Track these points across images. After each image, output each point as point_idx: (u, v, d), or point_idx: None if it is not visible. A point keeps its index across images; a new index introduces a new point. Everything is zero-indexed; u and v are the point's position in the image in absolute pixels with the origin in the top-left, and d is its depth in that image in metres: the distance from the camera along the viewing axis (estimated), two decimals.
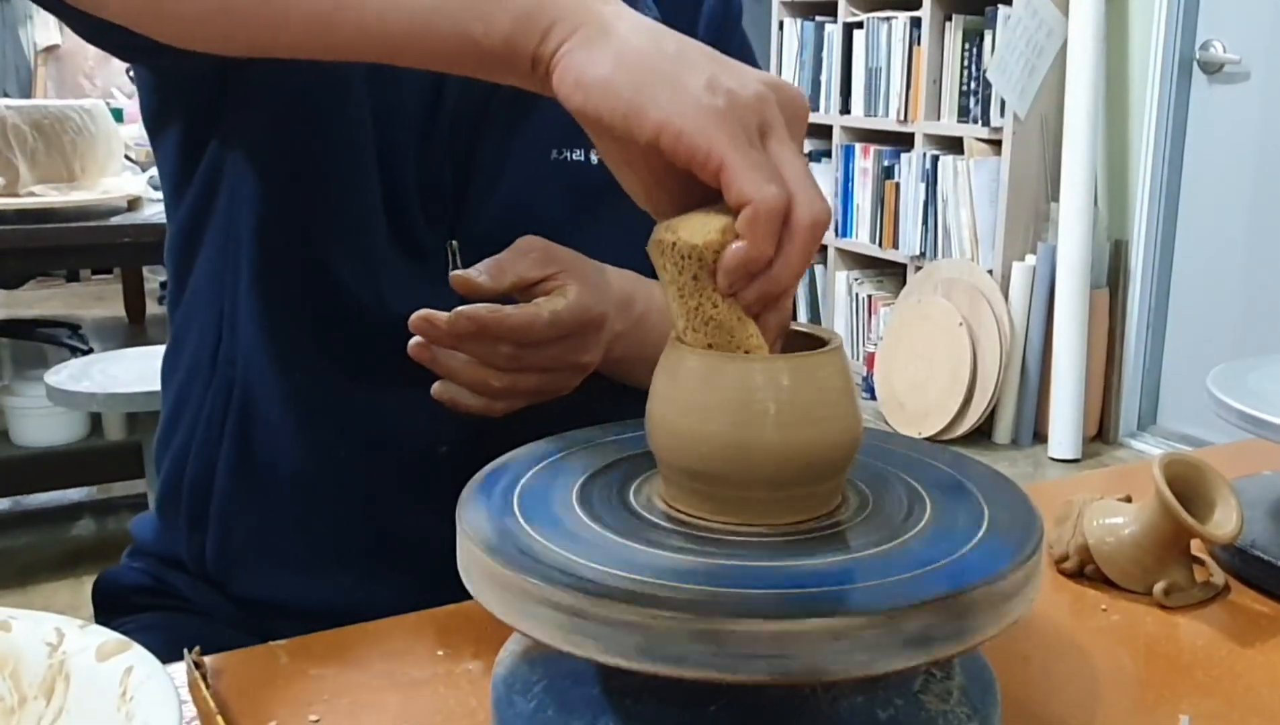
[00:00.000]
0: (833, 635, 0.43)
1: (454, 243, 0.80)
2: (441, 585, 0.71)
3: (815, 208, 0.49)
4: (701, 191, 0.51)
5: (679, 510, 0.53)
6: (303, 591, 0.81)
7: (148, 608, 0.86)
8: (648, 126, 0.49)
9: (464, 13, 0.54)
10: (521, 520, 0.51)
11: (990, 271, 3.58)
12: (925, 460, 0.59)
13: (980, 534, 0.51)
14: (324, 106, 0.77)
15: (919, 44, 3.76)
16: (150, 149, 0.90)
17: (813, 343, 0.54)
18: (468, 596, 0.50)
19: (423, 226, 0.80)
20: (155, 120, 0.83)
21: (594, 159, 0.83)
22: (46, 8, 0.65)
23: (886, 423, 3.74)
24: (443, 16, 0.54)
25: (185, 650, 0.63)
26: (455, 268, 0.80)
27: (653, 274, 0.90)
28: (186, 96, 0.80)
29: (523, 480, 0.55)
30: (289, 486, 0.81)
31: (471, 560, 0.49)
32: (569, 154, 0.83)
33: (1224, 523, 0.72)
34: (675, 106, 0.49)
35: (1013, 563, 0.48)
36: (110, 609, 0.88)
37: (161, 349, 0.91)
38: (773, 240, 0.49)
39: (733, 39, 0.93)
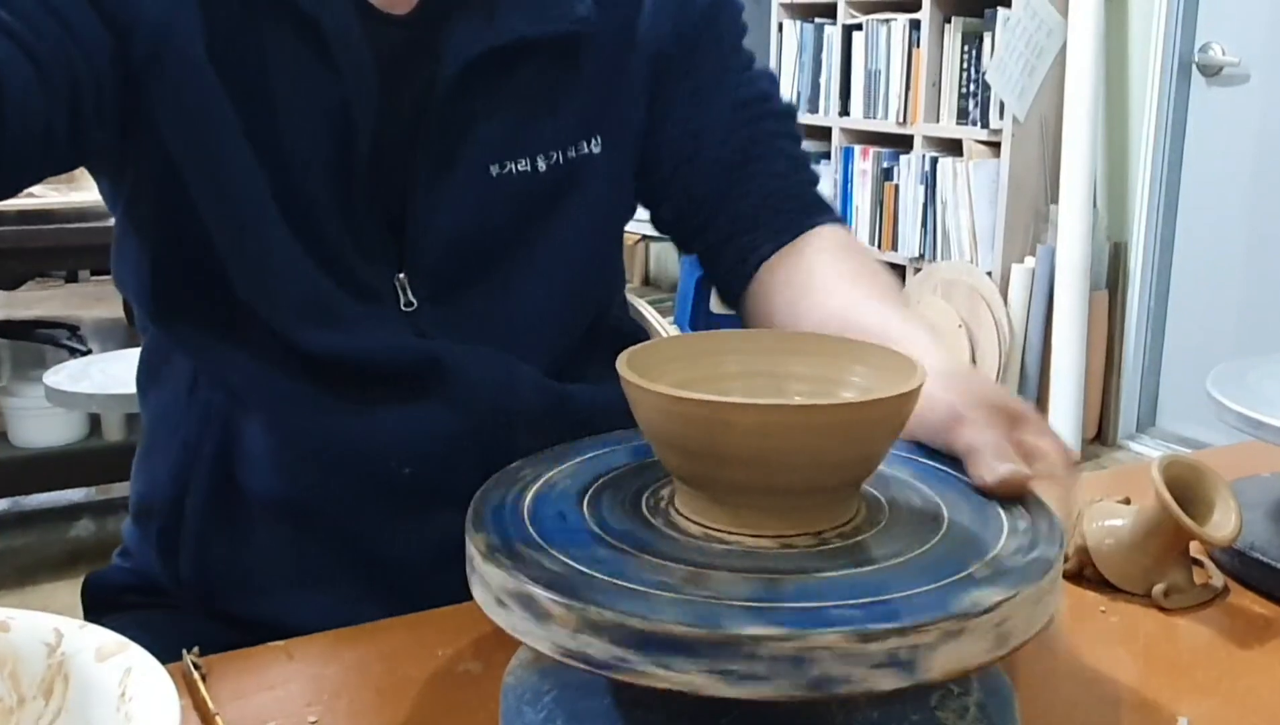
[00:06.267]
0: (854, 649, 0.42)
1: (401, 276, 0.79)
2: (419, 604, 0.71)
3: None
4: None
5: (693, 520, 0.52)
6: (283, 612, 0.80)
7: (141, 606, 0.86)
8: None
9: None
10: (532, 531, 0.50)
11: (989, 273, 3.58)
12: (931, 465, 0.59)
13: (1002, 540, 0.50)
14: (206, 165, 0.74)
15: (918, 46, 3.75)
16: None
17: (898, 367, 0.53)
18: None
19: (364, 268, 0.78)
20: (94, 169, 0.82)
21: (541, 166, 0.80)
22: None
23: None
24: None
25: (184, 650, 0.63)
26: (406, 304, 0.79)
27: (608, 277, 0.88)
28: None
29: (532, 490, 0.55)
30: (262, 510, 0.80)
31: (481, 572, 0.48)
32: (513, 166, 0.79)
33: (1223, 525, 0.72)
34: None
35: (1042, 567, 0.47)
36: (100, 608, 0.88)
37: None
38: None
39: (718, 31, 0.88)
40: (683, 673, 0.42)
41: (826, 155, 4.24)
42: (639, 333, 0.97)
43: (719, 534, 0.50)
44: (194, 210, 0.75)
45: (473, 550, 0.49)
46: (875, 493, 0.55)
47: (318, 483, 0.79)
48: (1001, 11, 3.48)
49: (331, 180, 0.76)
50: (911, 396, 0.50)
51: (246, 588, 0.82)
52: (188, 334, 0.81)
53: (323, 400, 0.78)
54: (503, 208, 0.80)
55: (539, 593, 0.45)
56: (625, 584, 0.45)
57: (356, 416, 0.78)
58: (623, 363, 0.51)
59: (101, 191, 0.83)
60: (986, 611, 0.44)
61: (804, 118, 4.30)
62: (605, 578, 0.46)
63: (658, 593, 0.45)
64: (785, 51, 4.37)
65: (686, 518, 0.52)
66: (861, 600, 0.45)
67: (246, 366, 0.79)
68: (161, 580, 0.85)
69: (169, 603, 0.85)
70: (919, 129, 3.79)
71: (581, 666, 0.44)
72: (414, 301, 0.79)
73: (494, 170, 0.79)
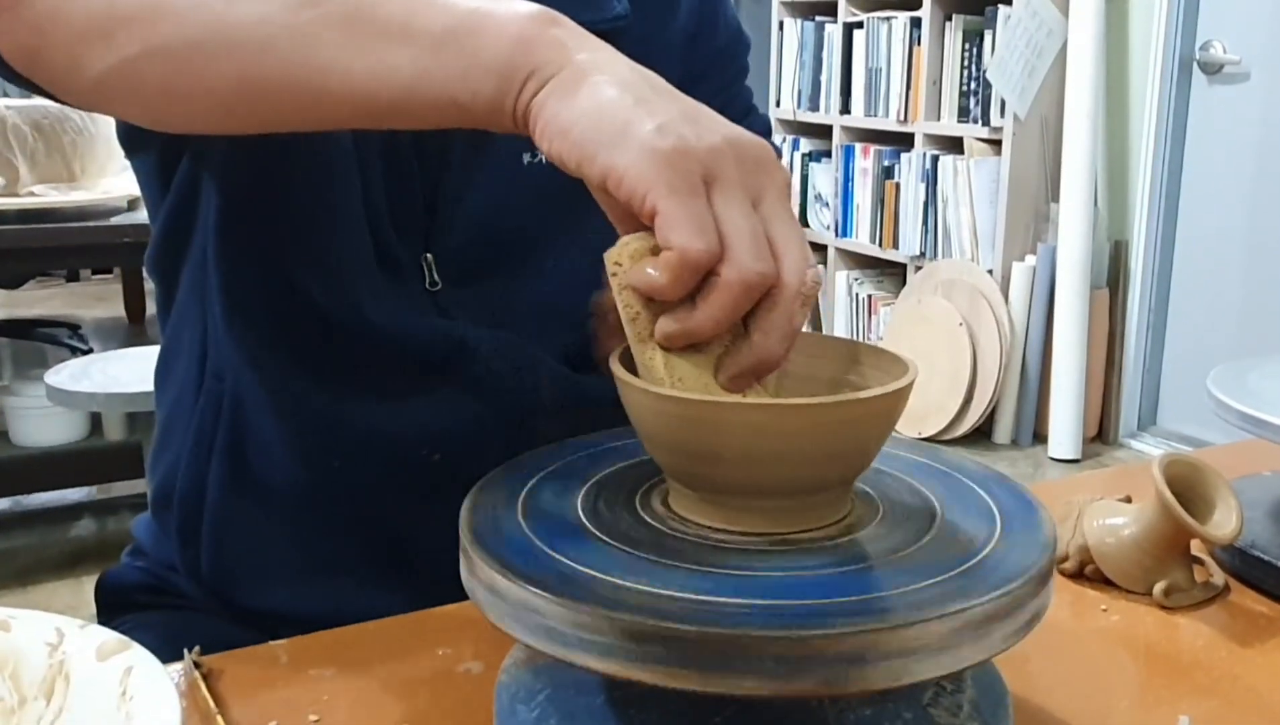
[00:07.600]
0: (847, 647, 0.42)
1: (429, 256, 0.79)
2: (438, 590, 0.71)
3: (750, 268, 0.47)
4: None
5: (688, 519, 0.52)
6: (300, 601, 0.81)
7: (150, 606, 0.86)
8: (595, 170, 0.49)
9: (449, 79, 0.54)
10: (527, 530, 0.50)
11: (990, 272, 3.58)
12: (927, 463, 0.59)
13: (995, 536, 0.50)
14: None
15: (919, 44, 3.76)
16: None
17: (889, 365, 0.53)
18: (465, 599, 0.50)
19: (395, 242, 0.78)
20: (129, 140, 0.82)
21: None
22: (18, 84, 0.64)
23: None
24: (429, 85, 0.54)
25: (185, 650, 0.64)
26: (431, 283, 0.79)
27: None
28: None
29: (527, 488, 0.54)
30: (283, 498, 0.80)
31: (475, 570, 0.48)
32: (544, 157, 0.81)
33: (1224, 523, 0.72)
34: (620, 151, 0.49)
35: (1034, 564, 0.47)
36: (113, 608, 0.88)
37: None
38: (681, 287, 0.48)
39: (717, 19, 0.91)
40: (676, 671, 0.43)
41: (827, 153, 4.24)
42: None
43: (712, 532, 0.50)
44: (267, 173, 0.75)
45: (466, 546, 0.49)
46: (868, 490, 0.55)
47: (338, 469, 0.80)
48: (1002, 10, 3.48)
49: (383, 145, 0.76)
50: (904, 393, 0.49)
51: (263, 578, 0.82)
52: (242, 326, 0.80)
53: (348, 382, 0.79)
54: (531, 197, 0.80)
55: (532, 590, 0.45)
56: (619, 582, 0.46)
57: (383, 400, 0.78)
58: (614, 360, 0.51)
59: (144, 174, 0.83)
60: (980, 608, 0.44)
61: (804, 116, 4.31)
62: (599, 575, 0.46)
63: (652, 590, 0.45)
64: (786, 49, 4.37)
65: (680, 516, 0.52)
66: (855, 598, 0.45)
67: (272, 355, 0.79)
68: (175, 578, 0.86)
69: (181, 602, 0.86)
70: (920, 127, 3.79)
71: (575, 664, 0.44)
72: (438, 282, 0.80)
73: (526, 158, 0.80)
